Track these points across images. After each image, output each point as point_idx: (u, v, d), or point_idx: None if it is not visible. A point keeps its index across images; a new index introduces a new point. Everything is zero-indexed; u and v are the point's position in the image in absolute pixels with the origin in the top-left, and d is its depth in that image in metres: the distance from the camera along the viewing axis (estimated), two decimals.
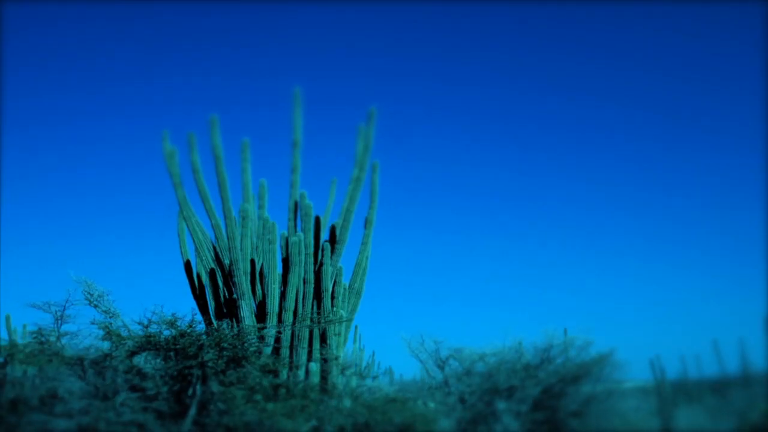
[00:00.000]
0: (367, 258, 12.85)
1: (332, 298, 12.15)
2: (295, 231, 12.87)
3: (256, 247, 12.59)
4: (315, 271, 12.22)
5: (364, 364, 13.93)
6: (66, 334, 11.25)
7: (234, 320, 12.01)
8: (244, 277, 11.98)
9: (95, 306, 10.88)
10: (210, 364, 9.00)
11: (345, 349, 12.31)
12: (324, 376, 11.65)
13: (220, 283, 12.56)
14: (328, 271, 12.23)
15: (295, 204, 13.07)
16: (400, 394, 11.50)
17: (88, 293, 10.97)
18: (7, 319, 15.68)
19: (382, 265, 13.13)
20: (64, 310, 11.35)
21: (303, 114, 13.14)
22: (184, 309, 11.94)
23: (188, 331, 9.51)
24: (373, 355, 17.15)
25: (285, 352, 11.55)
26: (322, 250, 12.35)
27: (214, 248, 12.95)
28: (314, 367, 11.57)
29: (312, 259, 12.18)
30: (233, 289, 12.27)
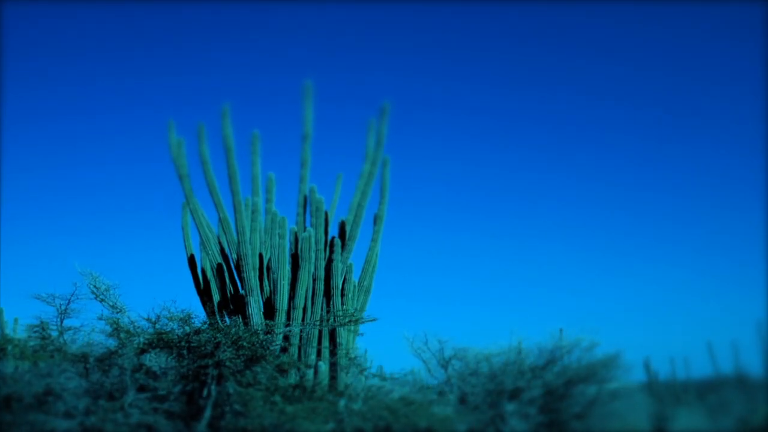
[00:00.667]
0: (376, 255, 12.59)
1: (342, 295, 11.89)
2: (304, 226, 12.58)
3: (263, 242, 12.27)
4: (325, 268, 11.94)
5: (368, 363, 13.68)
6: (69, 329, 10.86)
7: (240, 317, 11.70)
8: (253, 273, 11.66)
9: (102, 300, 10.49)
10: (228, 363, 8.67)
11: (354, 348, 12.06)
12: (333, 375, 11.39)
13: (227, 279, 12.21)
14: (338, 267, 11.96)
15: (305, 198, 12.76)
16: (413, 395, 11.30)
17: (94, 286, 10.56)
18: None
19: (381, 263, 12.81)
20: (68, 303, 10.94)
21: (314, 107, 12.85)
22: (184, 304, 11.58)
23: (203, 328, 9.18)
24: (366, 353, 16.94)
25: (294, 350, 11.26)
26: (332, 246, 12.07)
27: (219, 242, 12.62)
28: (323, 366, 11.31)
29: (323, 255, 11.91)
30: (242, 284, 11.95)
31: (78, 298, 11.11)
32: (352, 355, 9.98)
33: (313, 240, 11.88)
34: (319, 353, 11.48)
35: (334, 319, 10.67)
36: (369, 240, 12.65)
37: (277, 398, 8.72)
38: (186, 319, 9.41)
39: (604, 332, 14.47)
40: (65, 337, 10.85)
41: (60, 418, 10.12)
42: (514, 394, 13.22)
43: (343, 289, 11.93)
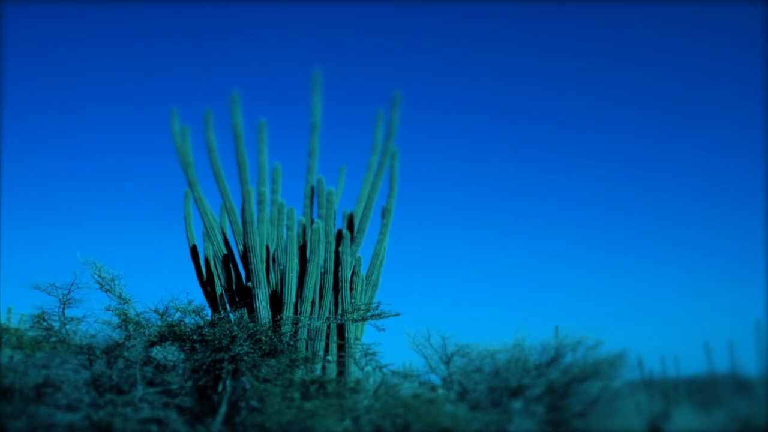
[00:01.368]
0: (384, 249, 12.34)
1: (351, 289, 11.63)
2: (311, 217, 12.31)
3: (269, 233, 11.96)
4: (333, 261, 11.67)
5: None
6: (72, 319, 10.47)
7: (246, 309, 11.39)
8: (261, 265, 11.36)
9: (108, 291, 10.12)
10: (246, 357, 8.38)
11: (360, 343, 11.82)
12: (341, 371, 11.16)
13: (232, 270, 11.89)
14: (347, 261, 11.69)
15: (312, 189, 12.48)
16: (421, 392, 11.09)
17: (99, 276, 10.19)
18: None
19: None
20: (69, 293, 10.55)
21: (322, 97, 12.55)
22: (185, 296, 11.24)
23: (218, 320, 8.88)
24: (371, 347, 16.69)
25: (301, 345, 10.99)
26: (341, 239, 11.80)
27: (223, 233, 12.29)
28: (331, 359, 11.07)
29: (333, 248, 11.63)
30: (247, 276, 11.65)
31: (79, 288, 10.73)
32: (372, 351, 9.68)
33: (322, 232, 11.61)
34: (327, 348, 11.24)
35: (349, 312, 10.36)
36: (376, 233, 12.41)
37: (296, 394, 8.44)
38: (199, 311, 9.10)
39: (600, 330, 14.33)
40: (67, 327, 10.49)
41: (62, 410, 9.79)
42: (518, 392, 13.07)
43: (351, 282, 11.68)
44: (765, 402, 14.62)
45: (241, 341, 8.64)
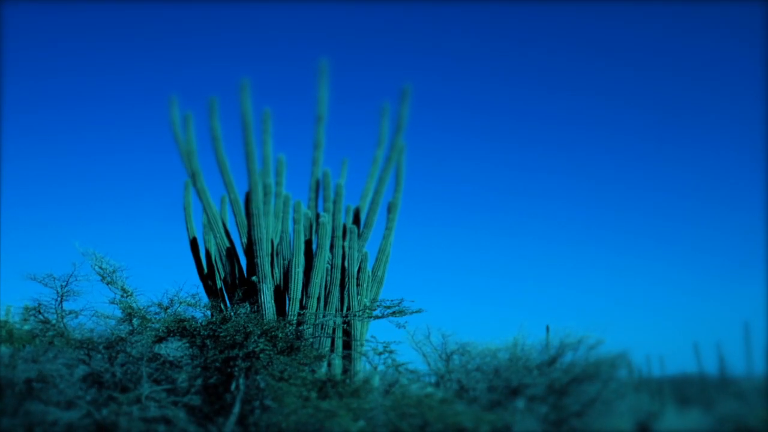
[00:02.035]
0: (390, 244, 12.07)
1: (357, 285, 11.35)
2: (316, 211, 11.99)
3: (274, 226, 11.61)
4: (341, 256, 11.37)
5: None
6: (70, 312, 10.03)
7: (248, 304, 11.03)
8: (267, 258, 11.01)
9: (110, 283, 9.70)
10: (262, 355, 8.06)
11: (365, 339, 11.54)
12: (346, 368, 10.88)
13: (236, 264, 11.52)
14: (354, 256, 11.41)
15: (317, 182, 12.15)
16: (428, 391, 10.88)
17: (100, 268, 9.76)
18: None
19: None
20: (66, 284, 10.10)
21: (329, 88, 12.22)
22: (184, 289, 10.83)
23: (232, 316, 8.54)
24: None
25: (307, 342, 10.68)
26: (348, 234, 11.50)
27: (224, 225, 11.91)
28: (337, 359, 10.78)
29: (340, 243, 11.33)
30: (249, 270, 11.30)
31: (77, 280, 10.30)
32: (390, 349, 9.41)
33: (329, 227, 11.30)
34: (332, 344, 10.94)
35: (370, 308, 10.06)
36: (382, 228, 12.14)
37: (313, 394, 8.15)
38: (209, 306, 8.75)
39: (601, 329, 14.22)
40: (65, 321, 10.05)
41: (61, 408, 9.37)
42: (519, 391, 12.94)
43: (358, 278, 11.39)
44: (757, 402, 14.71)
45: (256, 338, 8.30)
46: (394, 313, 9.92)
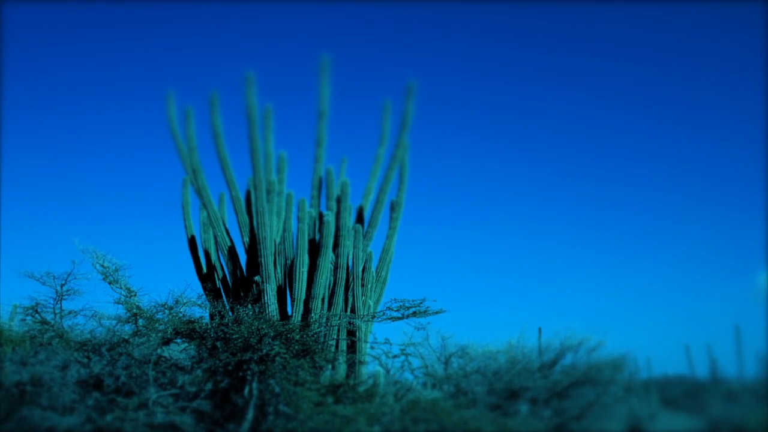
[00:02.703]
0: (393, 244, 11.82)
1: (362, 285, 11.08)
2: (319, 209, 11.70)
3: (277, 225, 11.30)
4: (346, 256, 11.10)
5: None
6: (69, 312, 9.63)
7: (250, 305, 10.70)
8: (271, 258, 10.70)
9: (112, 282, 9.31)
10: (278, 358, 7.77)
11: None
12: (349, 372, 10.60)
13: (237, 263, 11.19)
14: (359, 256, 11.14)
15: (319, 180, 11.86)
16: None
17: (102, 266, 9.37)
18: None
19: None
20: (64, 283, 9.70)
21: (330, 84, 11.94)
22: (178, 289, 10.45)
23: (245, 318, 8.23)
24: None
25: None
26: (354, 233, 11.23)
27: (224, 224, 11.57)
28: (342, 361, 10.51)
29: (345, 242, 11.06)
30: (249, 269, 10.97)
31: (75, 278, 9.90)
32: (407, 352, 9.16)
33: (333, 226, 11.03)
34: (337, 346, 10.66)
35: (393, 309, 9.79)
36: (386, 228, 11.87)
37: (329, 398, 7.88)
38: (215, 306, 8.43)
39: (596, 331, 14.15)
40: (64, 321, 9.64)
41: (59, 413, 8.96)
42: (518, 394, 12.79)
43: (363, 279, 11.13)
44: (750, 404, 14.74)
45: (269, 340, 8.01)
46: (414, 313, 9.64)
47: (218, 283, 11.44)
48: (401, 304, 9.77)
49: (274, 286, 10.70)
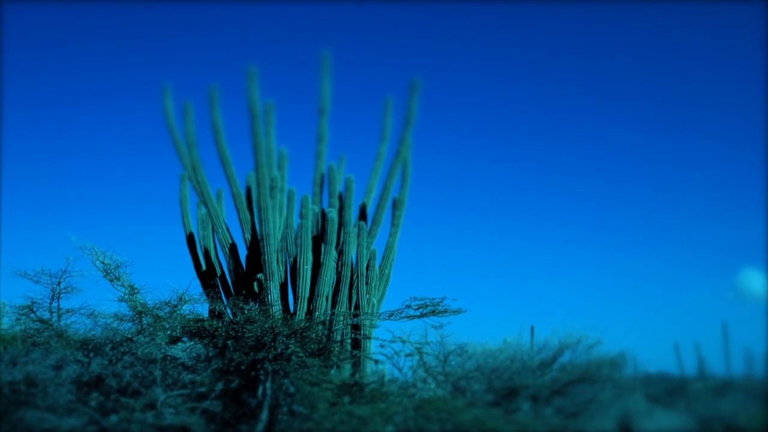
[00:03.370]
0: (397, 242, 11.66)
1: (366, 283, 10.91)
2: (321, 206, 11.50)
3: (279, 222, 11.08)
4: (350, 253, 10.91)
5: None
6: (67, 311, 9.31)
7: (253, 303, 10.47)
8: (274, 255, 10.47)
9: (113, 279, 9.02)
10: (294, 357, 7.57)
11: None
12: (354, 371, 10.43)
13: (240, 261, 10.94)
14: (363, 253, 10.97)
15: (321, 176, 11.66)
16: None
17: (102, 263, 9.08)
18: None
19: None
20: (60, 280, 9.37)
21: (332, 80, 11.75)
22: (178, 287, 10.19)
23: (257, 316, 8.02)
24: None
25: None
26: (358, 230, 11.04)
27: (223, 221, 11.31)
28: (347, 361, 10.32)
29: (349, 239, 10.88)
30: (259, 267, 10.71)
31: (71, 276, 9.58)
32: (423, 351, 9.01)
33: (337, 223, 10.84)
34: (341, 345, 10.47)
35: (413, 308, 9.62)
36: (389, 225, 11.72)
37: (346, 398, 7.70)
38: (240, 308, 8.22)
39: (594, 328, 14.16)
40: (62, 320, 9.32)
41: (58, 414, 8.65)
42: (517, 392, 12.73)
43: (367, 276, 10.96)
44: (740, 402, 14.87)
45: (284, 338, 7.81)
46: (433, 312, 9.48)
47: (218, 281, 11.19)
48: (422, 302, 9.59)
49: (278, 284, 10.49)
